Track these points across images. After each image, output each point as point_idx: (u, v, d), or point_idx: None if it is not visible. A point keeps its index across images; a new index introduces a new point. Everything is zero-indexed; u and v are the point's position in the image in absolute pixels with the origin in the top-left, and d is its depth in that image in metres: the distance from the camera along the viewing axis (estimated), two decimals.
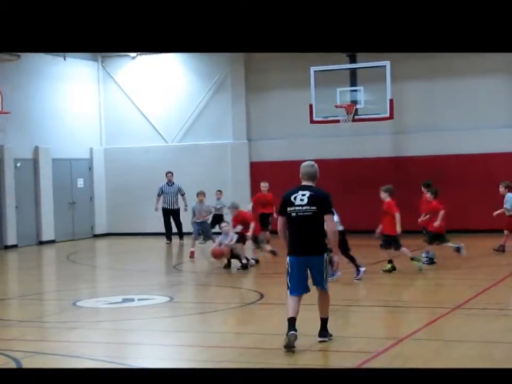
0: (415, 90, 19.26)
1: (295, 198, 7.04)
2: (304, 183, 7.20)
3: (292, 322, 6.83)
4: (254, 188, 20.17)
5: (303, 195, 7.04)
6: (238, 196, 18.97)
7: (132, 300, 11.80)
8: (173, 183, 19.37)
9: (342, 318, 8.82)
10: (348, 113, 17.46)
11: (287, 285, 7.10)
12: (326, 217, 7.06)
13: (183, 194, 19.43)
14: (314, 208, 6.97)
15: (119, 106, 23.56)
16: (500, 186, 14.99)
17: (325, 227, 7.13)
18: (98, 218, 22.45)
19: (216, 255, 13.82)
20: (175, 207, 19.24)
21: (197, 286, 13.84)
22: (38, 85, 21.34)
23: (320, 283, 7.15)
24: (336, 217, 9.50)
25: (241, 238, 13.91)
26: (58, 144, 21.39)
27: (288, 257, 7.16)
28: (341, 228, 11.49)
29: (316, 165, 7.43)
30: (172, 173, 19.53)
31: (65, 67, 22.03)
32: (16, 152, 20.18)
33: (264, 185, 16.77)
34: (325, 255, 7.14)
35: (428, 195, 13.30)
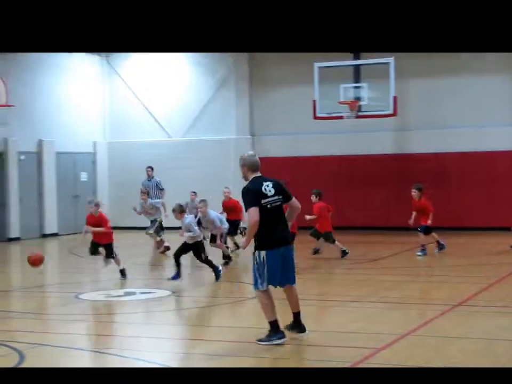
0: (418, 87, 19.32)
1: (265, 190, 6.94)
2: (257, 174, 7.12)
3: (278, 324, 6.89)
4: None
5: (268, 186, 6.97)
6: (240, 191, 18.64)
7: (134, 293, 11.82)
8: (152, 177, 18.89)
9: (345, 314, 8.80)
10: (351, 110, 17.46)
11: (257, 280, 6.92)
12: (292, 201, 7.09)
13: (161, 189, 18.79)
14: (281, 197, 6.98)
15: (122, 101, 23.71)
16: None
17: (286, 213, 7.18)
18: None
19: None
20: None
21: (197, 280, 13.74)
22: (43, 79, 21.47)
23: (293, 277, 7.11)
24: None
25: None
26: (62, 137, 21.52)
27: (262, 251, 6.93)
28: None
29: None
30: (152, 168, 19.05)
31: (70, 61, 22.11)
32: (20, 145, 20.36)
33: (225, 190, 16.08)
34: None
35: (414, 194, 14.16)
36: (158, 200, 17.74)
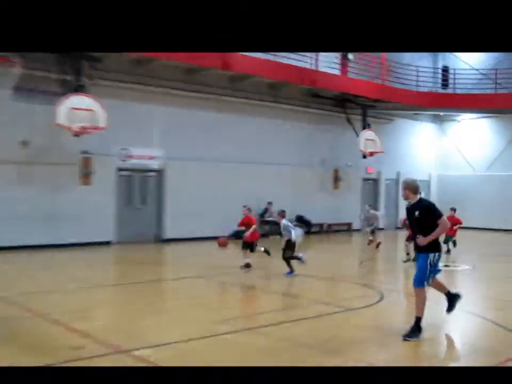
0: None
1: None
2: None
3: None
4: None
5: None
6: None
7: (448, 266, 14.21)
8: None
9: None
10: None
11: (425, 278, 7.51)
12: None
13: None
14: None
15: (448, 151, 30.13)
16: None
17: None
18: None
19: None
20: None
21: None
22: (399, 134, 28.45)
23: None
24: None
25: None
26: (409, 169, 27.06)
27: (437, 253, 7.65)
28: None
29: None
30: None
31: (414, 126, 29.63)
32: (386, 174, 27.78)
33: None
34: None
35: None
36: (378, 212, 21.30)
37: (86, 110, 16.55)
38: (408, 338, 7.27)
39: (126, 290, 11.36)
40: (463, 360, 6.90)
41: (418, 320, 7.43)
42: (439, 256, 7.69)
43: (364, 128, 25.08)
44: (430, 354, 7.20)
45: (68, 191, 18.34)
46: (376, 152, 24.75)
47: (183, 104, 21.13)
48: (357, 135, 24.84)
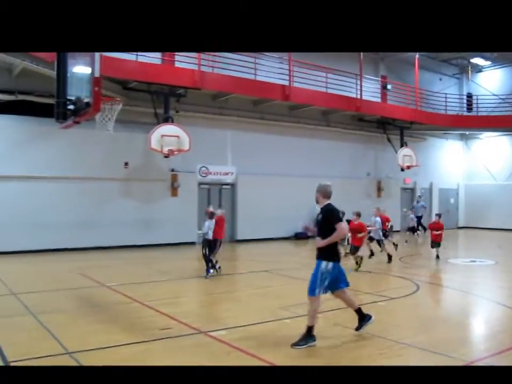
0: None
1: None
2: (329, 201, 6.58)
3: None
4: None
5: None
6: None
7: (475, 261, 13.83)
8: (418, 201, 23.57)
9: None
10: None
11: (317, 286, 6.13)
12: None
13: (425, 207, 23.60)
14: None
15: (472, 163, 29.45)
16: None
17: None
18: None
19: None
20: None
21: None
22: (432, 150, 28.13)
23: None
24: None
25: None
26: (441, 181, 28.32)
27: (330, 262, 6.18)
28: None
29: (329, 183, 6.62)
30: (420, 196, 24.51)
31: (445, 144, 29.05)
32: (421, 184, 27.36)
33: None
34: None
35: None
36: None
37: (173, 136, 16.97)
38: (296, 347, 5.99)
39: (205, 282, 11.27)
40: (488, 343, 6.66)
41: (309, 329, 6.11)
42: (335, 266, 6.16)
43: (401, 146, 25.02)
44: (461, 336, 6.92)
45: (160, 202, 18.68)
46: (412, 166, 24.59)
47: (251, 129, 21.28)
48: (396, 152, 24.78)
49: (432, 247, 14.39)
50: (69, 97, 8.40)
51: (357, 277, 11.70)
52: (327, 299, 6.87)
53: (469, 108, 29.35)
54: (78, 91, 8.27)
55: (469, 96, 29.71)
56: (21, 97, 15.80)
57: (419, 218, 22.87)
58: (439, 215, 14.79)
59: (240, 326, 7.15)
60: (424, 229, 22.25)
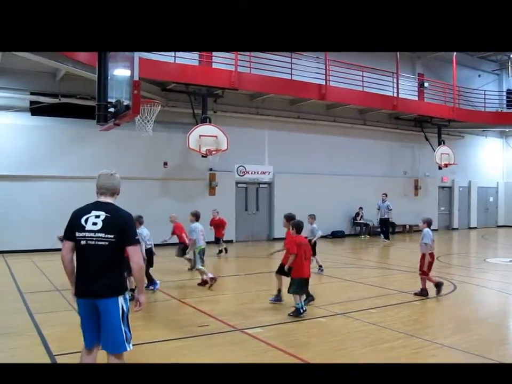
0: None
1: (86, 221, 4.05)
2: (100, 199, 4.23)
3: None
4: None
5: (97, 217, 4.05)
6: None
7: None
8: (385, 201, 20.43)
9: None
10: None
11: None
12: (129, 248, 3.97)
13: (390, 210, 20.18)
14: (111, 236, 3.98)
15: None
16: None
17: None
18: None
19: None
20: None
21: None
22: (470, 150, 27.64)
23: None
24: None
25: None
26: (480, 179, 27.87)
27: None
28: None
29: (117, 174, 4.34)
30: (386, 194, 20.59)
31: (484, 141, 28.20)
32: (459, 183, 26.93)
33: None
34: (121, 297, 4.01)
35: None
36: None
37: (211, 136, 17.00)
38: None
39: (242, 279, 11.30)
40: None
41: None
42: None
43: (439, 144, 24.59)
44: (498, 338, 6.71)
45: (199, 200, 18.74)
46: (450, 164, 24.25)
47: (288, 129, 21.25)
48: (434, 150, 24.34)
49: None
50: (109, 100, 8.58)
51: (393, 277, 11.47)
52: (364, 298, 6.66)
53: (509, 105, 28.68)
54: (118, 93, 8.43)
55: (509, 92, 29.05)
56: (64, 100, 16.37)
57: (384, 221, 20.35)
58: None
59: (274, 324, 7.19)
60: (388, 236, 20.44)
